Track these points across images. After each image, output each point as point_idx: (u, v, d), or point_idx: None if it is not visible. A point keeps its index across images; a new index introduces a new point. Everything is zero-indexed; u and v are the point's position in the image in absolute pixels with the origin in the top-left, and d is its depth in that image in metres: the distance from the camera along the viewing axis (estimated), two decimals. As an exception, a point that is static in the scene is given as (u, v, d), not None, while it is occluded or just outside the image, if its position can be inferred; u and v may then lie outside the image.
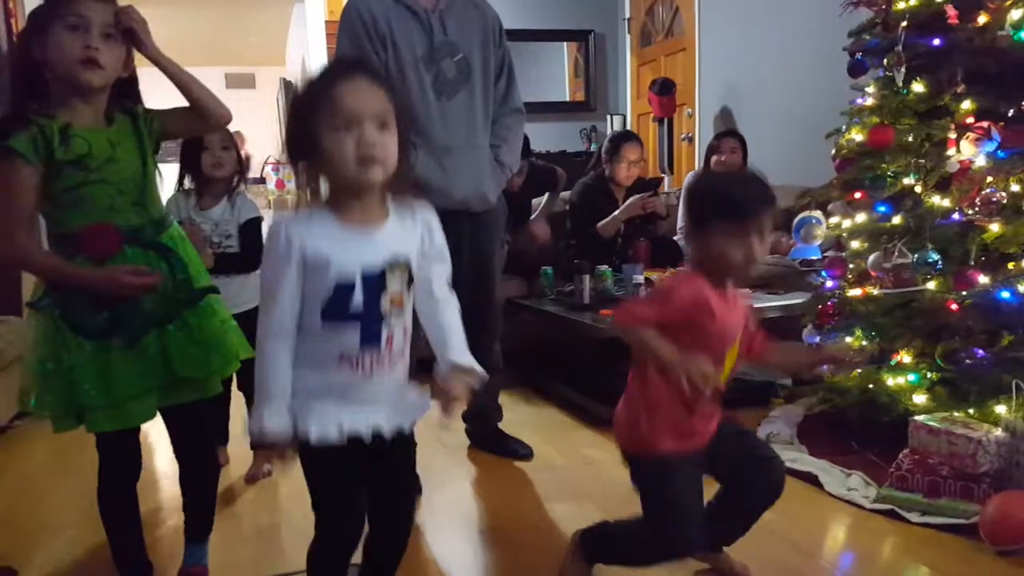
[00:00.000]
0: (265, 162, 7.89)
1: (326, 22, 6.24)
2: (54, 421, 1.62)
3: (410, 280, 1.37)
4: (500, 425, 2.84)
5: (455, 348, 1.45)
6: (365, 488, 1.45)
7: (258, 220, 2.56)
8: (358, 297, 1.31)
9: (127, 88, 1.66)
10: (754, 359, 1.74)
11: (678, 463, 1.62)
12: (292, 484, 2.55)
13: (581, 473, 2.58)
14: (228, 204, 2.52)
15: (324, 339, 1.32)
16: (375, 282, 1.32)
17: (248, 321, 1.54)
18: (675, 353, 1.50)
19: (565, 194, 4.27)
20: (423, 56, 2.41)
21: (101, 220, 1.57)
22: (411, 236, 1.39)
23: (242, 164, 2.59)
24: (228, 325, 1.76)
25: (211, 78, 11.00)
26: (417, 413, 1.45)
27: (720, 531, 1.79)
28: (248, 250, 2.49)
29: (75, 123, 1.54)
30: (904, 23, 2.53)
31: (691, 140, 5.71)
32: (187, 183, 2.55)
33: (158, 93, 1.71)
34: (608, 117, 6.47)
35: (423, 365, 1.55)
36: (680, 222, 4.18)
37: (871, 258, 2.59)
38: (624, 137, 4.02)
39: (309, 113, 1.28)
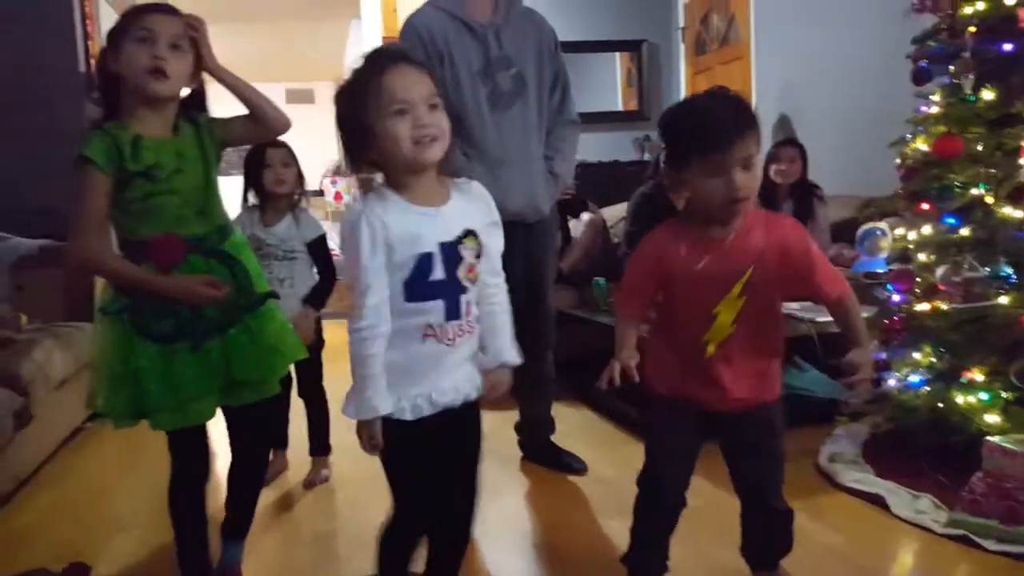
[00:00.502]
0: (324, 175, 8.00)
1: (383, 38, 6.31)
2: (116, 419, 1.67)
3: (478, 253, 1.43)
4: (553, 438, 2.82)
5: (506, 343, 1.53)
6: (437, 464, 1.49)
7: (323, 237, 2.63)
8: (439, 271, 1.37)
9: (195, 100, 1.72)
10: (755, 320, 1.58)
11: (667, 406, 1.65)
12: (349, 490, 2.59)
13: (634, 488, 2.52)
14: (292, 220, 2.57)
15: (409, 315, 1.38)
16: (452, 253, 1.38)
17: None
18: (619, 350, 1.59)
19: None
20: (479, 70, 2.43)
21: (168, 230, 1.62)
22: (475, 211, 1.45)
23: (303, 181, 2.64)
24: (286, 328, 1.82)
25: (272, 94, 11.20)
26: (480, 380, 1.51)
27: (755, 543, 1.77)
28: (325, 269, 2.61)
29: (145, 134, 1.60)
30: (972, 28, 2.45)
31: (748, 150, 5.62)
32: (251, 199, 2.60)
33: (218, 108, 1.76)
34: (662, 127, 6.41)
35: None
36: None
37: (940, 271, 2.50)
38: None
39: (361, 104, 1.34)
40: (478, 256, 1.42)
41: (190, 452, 1.77)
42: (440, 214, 1.39)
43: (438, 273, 1.37)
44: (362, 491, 2.47)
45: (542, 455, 2.78)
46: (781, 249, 1.55)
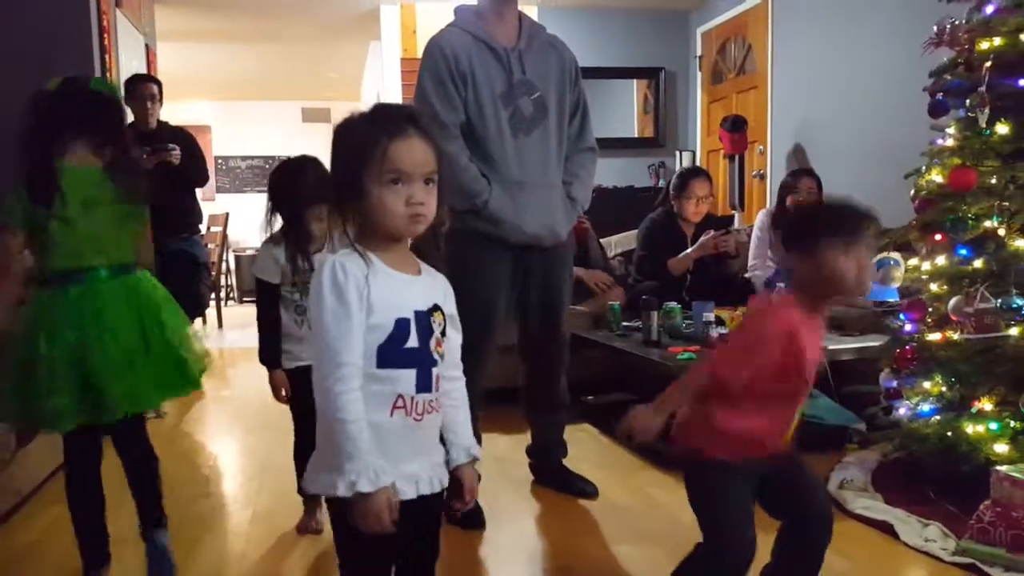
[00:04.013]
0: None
1: (401, 59, 6.40)
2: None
3: (443, 330, 1.37)
4: (565, 461, 2.83)
5: (471, 436, 1.44)
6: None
7: None
8: (413, 338, 1.30)
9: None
10: None
11: (731, 472, 1.60)
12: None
13: (647, 514, 2.54)
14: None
15: (379, 382, 1.27)
16: (425, 323, 1.32)
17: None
18: (657, 406, 1.57)
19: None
20: (502, 93, 2.46)
21: None
22: (441, 292, 1.40)
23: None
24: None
25: (289, 112, 11.31)
26: (444, 475, 1.39)
27: (789, 572, 1.75)
28: None
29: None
30: (988, 63, 2.48)
31: (762, 177, 5.66)
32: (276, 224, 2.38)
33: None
34: (677, 153, 6.47)
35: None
36: (753, 259, 4.14)
37: (952, 302, 2.52)
38: (693, 173, 4.02)
39: (359, 163, 1.27)
40: (443, 333, 1.36)
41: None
42: (415, 282, 1.34)
43: (412, 341, 1.30)
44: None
45: (554, 479, 2.78)
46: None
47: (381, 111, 1.34)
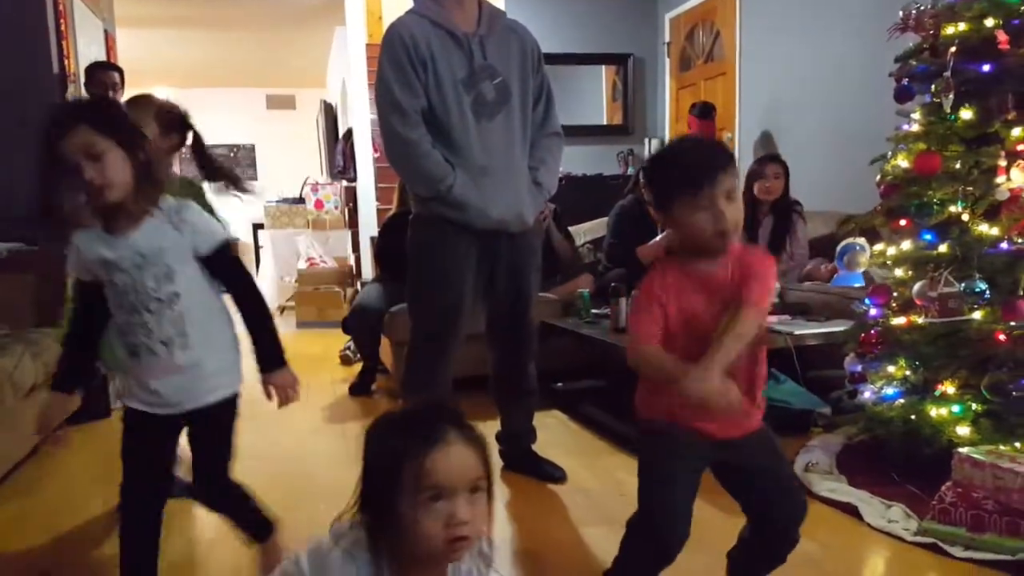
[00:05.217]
0: (304, 183, 7.97)
1: (366, 45, 6.34)
2: None
3: None
4: (534, 447, 2.83)
5: None
6: None
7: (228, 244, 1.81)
8: None
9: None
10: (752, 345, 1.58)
11: (666, 439, 1.59)
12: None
13: (614, 498, 2.55)
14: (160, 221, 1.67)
15: None
16: None
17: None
18: (683, 371, 1.45)
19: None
20: (463, 79, 2.43)
21: None
22: None
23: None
24: None
25: (253, 99, 11.20)
26: None
27: (752, 561, 1.76)
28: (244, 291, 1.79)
29: None
30: (953, 48, 2.50)
31: (730, 165, 5.67)
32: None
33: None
34: (646, 140, 6.48)
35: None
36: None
37: (916, 286, 2.54)
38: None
39: (390, 481, 1.08)
40: None
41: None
42: None
43: None
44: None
45: (522, 464, 2.78)
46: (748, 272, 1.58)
47: (417, 415, 1.14)
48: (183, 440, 1.78)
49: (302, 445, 3.20)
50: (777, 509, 1.66)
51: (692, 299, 1.55)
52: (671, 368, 1.49)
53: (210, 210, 2.07)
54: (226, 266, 1.72)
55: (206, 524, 2.35)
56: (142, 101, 2.38)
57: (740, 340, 1.47)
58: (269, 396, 1.73)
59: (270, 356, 1.75)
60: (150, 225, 1.61)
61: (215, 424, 1.74)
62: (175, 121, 2.31)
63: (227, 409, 1.74)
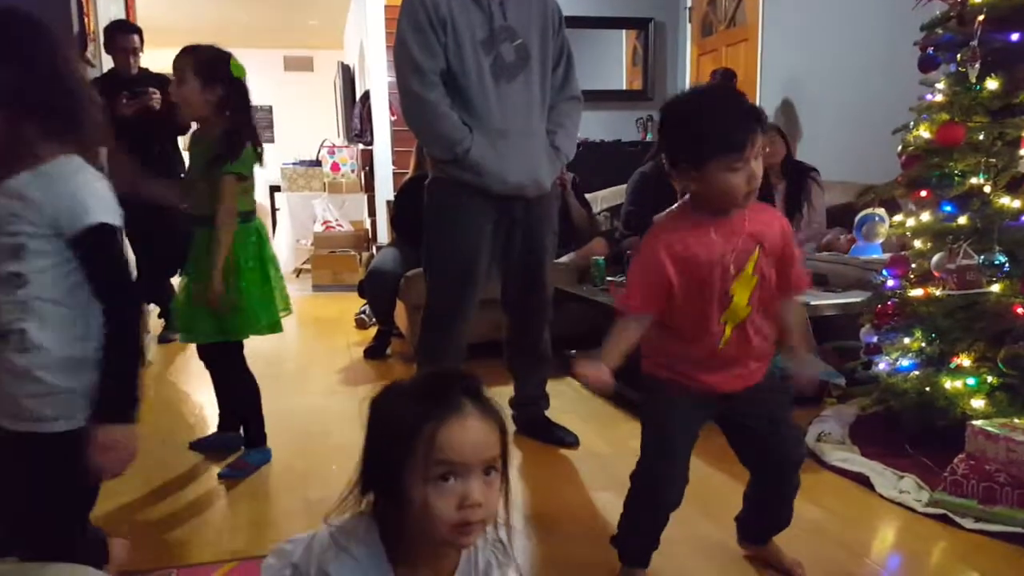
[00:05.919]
0: (321, 145, 7.95)
1: (385, 6, 6.28)
2: None
3: None
4: (547, 413, 2.85)
5: None
6: None
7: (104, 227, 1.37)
8: None
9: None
10: (765, 300, 1.61)
11: (669, 395, 1.65)
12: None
13: (627, 462, 2.51)
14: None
15: None
16: None
17: None
18: (606, 354, 1.56)
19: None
20: (483, 40, 2.42)
21: None
22: None
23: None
24: None
25: (271, 61, 11.11)
26: None
27: (758, 518, 1.80)
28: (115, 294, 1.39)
29: None
30: (981, 17, 2.45)
31: (750, 133, 5.61)
32: None
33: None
34: (665, 107, 6.40)
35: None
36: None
37: (935, 258, 2.52)
38: None
39: (398, 454, 0.99)
40: None
41: None
42: None
43: None
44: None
45: (536, 429, 2.80)
46: (780, 230, 1.62)
47: (430, 382, 1.05)
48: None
49: (317, 407, 3.24)
50: (774, 452, 1.70)
51: (698, 249, 1.55)
52: (605, 348, 1.58)
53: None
54: (90, 257, 1.32)
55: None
56: (180, 55, 2.34)
57: (801, 327, 1.69)
58: (87, 458, 1.29)
59: (109, 400, 1.31)
60: (10, 184, 1.29)
61: (22, 459, 1.34)
62: (217, 73, 2.28)
63: (43, 447, 1.32)
